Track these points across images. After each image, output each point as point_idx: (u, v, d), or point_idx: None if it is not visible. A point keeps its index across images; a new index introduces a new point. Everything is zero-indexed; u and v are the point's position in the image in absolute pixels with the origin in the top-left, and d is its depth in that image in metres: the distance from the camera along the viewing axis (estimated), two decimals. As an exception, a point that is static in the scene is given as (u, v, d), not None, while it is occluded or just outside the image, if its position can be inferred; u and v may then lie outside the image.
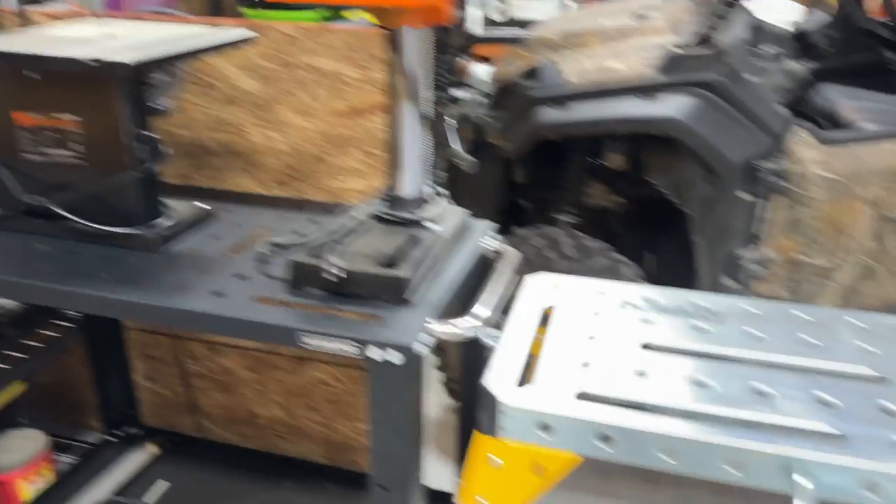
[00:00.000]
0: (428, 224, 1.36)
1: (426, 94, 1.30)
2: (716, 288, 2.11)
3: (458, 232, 1.41)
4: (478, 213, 2.66)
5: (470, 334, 1.16)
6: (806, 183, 1.91)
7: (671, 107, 1.98)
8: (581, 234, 2.36)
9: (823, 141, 1.88)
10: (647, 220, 2.59)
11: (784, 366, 1.20)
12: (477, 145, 2.50)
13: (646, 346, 1.24)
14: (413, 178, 1.34)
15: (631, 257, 2.66)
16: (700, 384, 1.14)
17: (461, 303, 1.28)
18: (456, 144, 2.58)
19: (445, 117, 2.73)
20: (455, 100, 2.77)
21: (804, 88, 2.24)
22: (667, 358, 1.22)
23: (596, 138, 2.44)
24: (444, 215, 1.42)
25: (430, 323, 1.16)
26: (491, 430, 1.12)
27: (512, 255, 1.43)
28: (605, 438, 1.07)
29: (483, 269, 1.40)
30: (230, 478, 1.99)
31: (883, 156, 1.83)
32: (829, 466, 0.98)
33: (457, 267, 1.33)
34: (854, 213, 1.90)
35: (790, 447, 1.01)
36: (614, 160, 2.41)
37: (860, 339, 1.26)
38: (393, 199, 1.37)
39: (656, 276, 2.47)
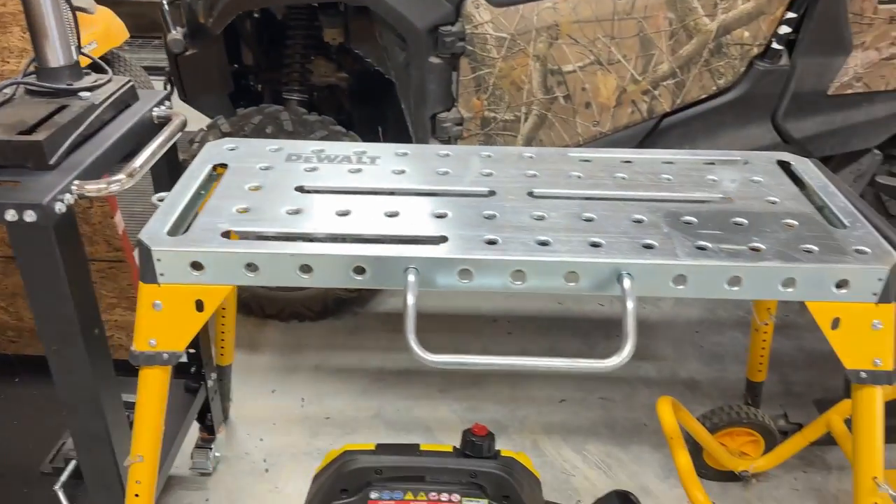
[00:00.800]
0: (82, 93, 1.37)
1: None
2: (425, 149, 2.30)
3: (119, 100, 1.43)
4: (206, 99, 2.67)
5: (115, 188, 1.22)
6: (483, 44, 2.11)
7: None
8: (302, 109, 2.44)
9: (494, 3, 2.08)
10: (372, 93, 2.73)
11: (416, 191, 1.39)
12: (193, 28, 2.46)
13: (300, 189, 1.38)
14: (56, 48, 1.34)
15: (364, 131, 2.80)
16: (342, 213, 1.30)
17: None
18: (171, 29, 2.52)
19: (163, 2, 2.64)
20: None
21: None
22: (319, 196, 1.36)
23: (313, 13, 2.50)
24: (103, 85, 1.43)
25: (76, 183, 1.20)
26: (152, 278, 1.21)
27: (178, 120, 1.49)
28: (252, 267, 1.20)
29: (150, 134, 1.44)
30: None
31: (541, 12, 2.06)
32: (431, 260, 1.18)
33: (116, 132, 1.37)
34: (525, 68, 2.14)
35: (403, 250, 1.19)
36: (331, 34, 2.48)
37: (485, 166, 1.49)
38: (42, 71, 1.36)
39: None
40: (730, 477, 1.97)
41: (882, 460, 1.31)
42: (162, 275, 1.21)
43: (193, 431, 1.99)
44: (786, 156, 1.55)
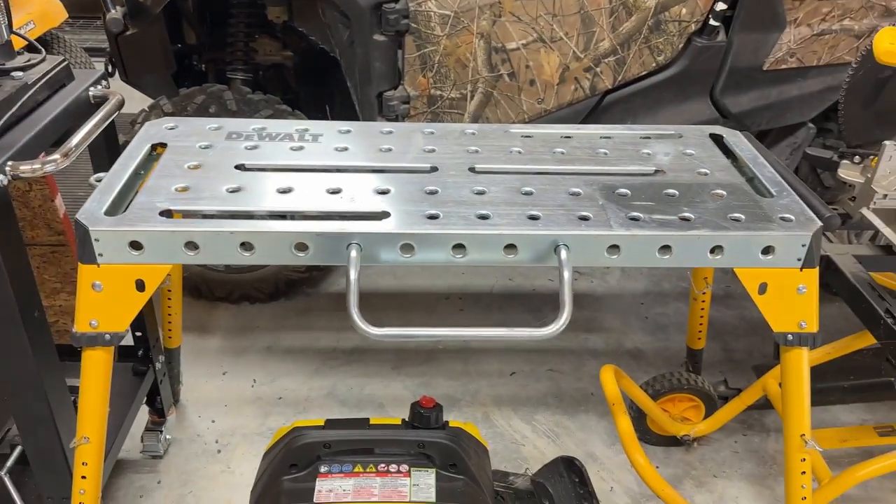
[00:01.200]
0: (14, 73, 1.34)
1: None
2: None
3: (53, 79, 1.41)
4: (149, 79, 2.62)
5: (50, 168, 1.21)
6: (427, 21, 2.12)
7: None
8: (246, 88, 2.42)
9: (437, -20, 2.09)
10: (318, 72, 2.71)
11: (359, 168, 1.40)
12: (132, 7, 2.41)
13: (241, 167, 1.37)
14: (-16, 26, 1.31)
15: (311, 110, 2.78)
16: (285, 191, 1.30)
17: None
18: (110, 8, 2.46)
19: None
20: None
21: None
22: (260, 174, 1.36)
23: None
24: (37, 64, 1.40)
25: (9, 164, 1.18)
26: (91, 258, 1.20)
27: (115, 99, 1.47)
28: (192, 246, 1.20)
29: (86, 114, 1.42)
30: None
31: (485, -10, 2.08)
32: (374, 235, 1.20)
33: (50, 113, 1.35)
34: (470, 45, 2.15)
35: (345, 225, 1.21)
36: (274, 12, 2.46)
37: (427, 142, 1.50)
38: (-30, 50, 1.33)
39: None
40: (673, 442, 2.05)
41: (809, 418, 1.38)
42: (101, 255, 1.20)
43: (143, 415, 1.98)
44: (718, 129, 1.60)
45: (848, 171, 1.65)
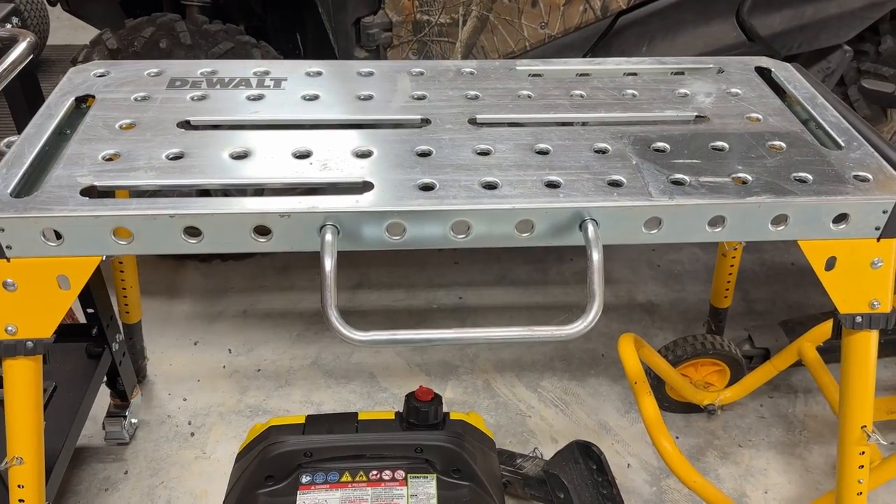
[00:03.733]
0: None
1: None
2: (350, 59, 2.01)
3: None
4: (93, 8, 2.29)
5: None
6: (410, -67, 1.80)
7: None
8: (203, 17, 2.10)
9: None
10: (286, -3, 2.38)
11: (332, 123, 1.14)
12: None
13: (185, 125, 1.11)
14: None
15: (280, 40, 2.47)
16: (240, 156, 1.05)
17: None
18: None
19: None
20: None
21: None
22: (208, 134, 1.10)
23: None
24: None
25: None
26: (-3, 251, 0.96)
27: (27, 41, 1.18)
28: (124, 233, 0.95)
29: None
30: None
31: None
32: (353, 214, 0.96)
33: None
34: (461, -39, 1.85)
35: (317, 202, 0.96)
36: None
37: (416, 86, 1.23)
38: None
39: (303, 58, 2.33)
40: (692, 408, 1.86)
41: (872, 408, 1.19)
42: (9, 247, 0.95)
43: (105, 397, 1.77)
44: (765, 61, 1.34)
45: (913, 108, 1.39)
